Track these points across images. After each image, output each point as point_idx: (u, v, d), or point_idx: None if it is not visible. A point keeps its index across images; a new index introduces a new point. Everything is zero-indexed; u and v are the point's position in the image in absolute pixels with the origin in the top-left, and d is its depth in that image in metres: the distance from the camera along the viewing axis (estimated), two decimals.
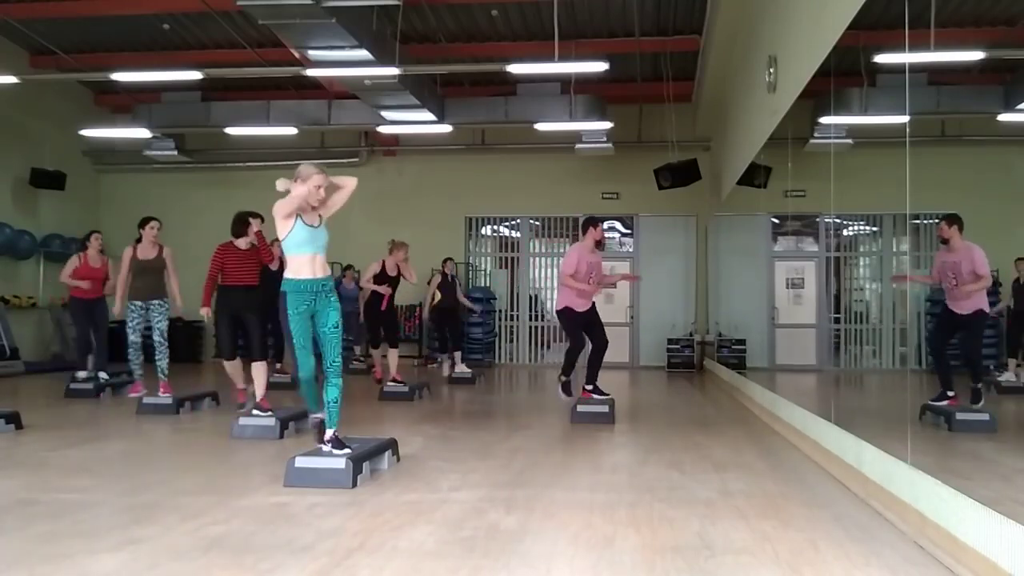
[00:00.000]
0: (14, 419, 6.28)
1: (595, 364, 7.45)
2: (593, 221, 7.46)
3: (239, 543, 3.25)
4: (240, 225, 6.88)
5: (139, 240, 7.92)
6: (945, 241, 6.49)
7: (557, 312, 7.52)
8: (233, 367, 6.89)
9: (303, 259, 4.66)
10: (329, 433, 4.53)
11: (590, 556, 3.12)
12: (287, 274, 4.66)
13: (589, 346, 7.47)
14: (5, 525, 3.51)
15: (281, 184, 4.75)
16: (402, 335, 13.49)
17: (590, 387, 7.37)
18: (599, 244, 7.54)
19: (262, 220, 6.82)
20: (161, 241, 7.97)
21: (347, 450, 4.43)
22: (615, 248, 15.25)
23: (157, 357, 7.76)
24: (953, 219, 6.47)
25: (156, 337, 7.81)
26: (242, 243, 6.85)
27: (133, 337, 7.85)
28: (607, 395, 7.36)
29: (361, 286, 9.21)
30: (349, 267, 12.84)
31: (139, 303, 7.80)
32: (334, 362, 4.65)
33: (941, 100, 9.55)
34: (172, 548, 3.18)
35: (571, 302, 7.28)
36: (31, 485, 4.35)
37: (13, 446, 5.62)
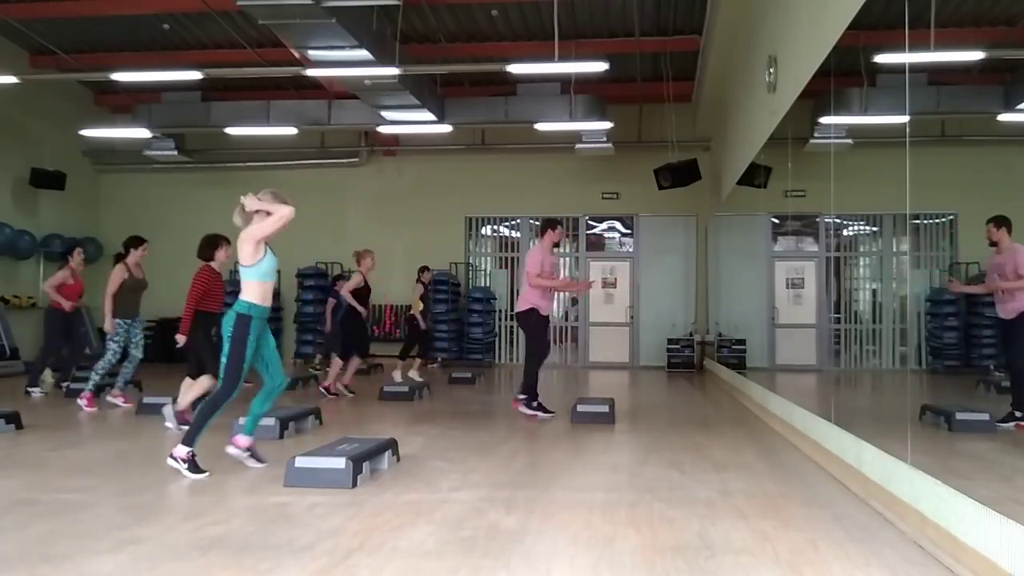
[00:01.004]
0: (14, 419, 6.28)
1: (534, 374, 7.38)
2: (551, 223, 7.45)
3: (239, 543, 3.25)
4: (210, 248, 6.54)
5: (123, 257, 7.78)
6: (994, 244, 6.21)
7: (520, 314, 7.37)
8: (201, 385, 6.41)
9: (268, 287, 4.71)
10: (248, 440, 4.74)
11: (590, 556, 3.12)
12: (252, 299, 4.61)
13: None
14: (5, 525, 3.51)
15: (253, 202, 4.63)
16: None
17: (523, 396, 7.32)
18: (556, 246, 7.51)
19: (229, 244, 6.52)
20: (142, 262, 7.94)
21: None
22: (615, 248, 15.26)
23: (128, 367, 7.91)
24: (1001, 221, 6.16)
25: (135, 353, 7.89)
26: (215, 267, 6.63)
27: (117, 355, 7.72)
28: (552, 411, 7.32)
29: (343, 294, 8.99)
30: (341, 276, 12.80)
31: (128, 321, 7.75)
32: (282, 382, 4.88)
33: (941, 100, 9.55)
34: (172, 548, 3.18)
35: (537, 303, 7.22)
36: (31, 485, 4.35)
37: (13, 446, 5.62)
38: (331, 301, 12.17)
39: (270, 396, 4.87)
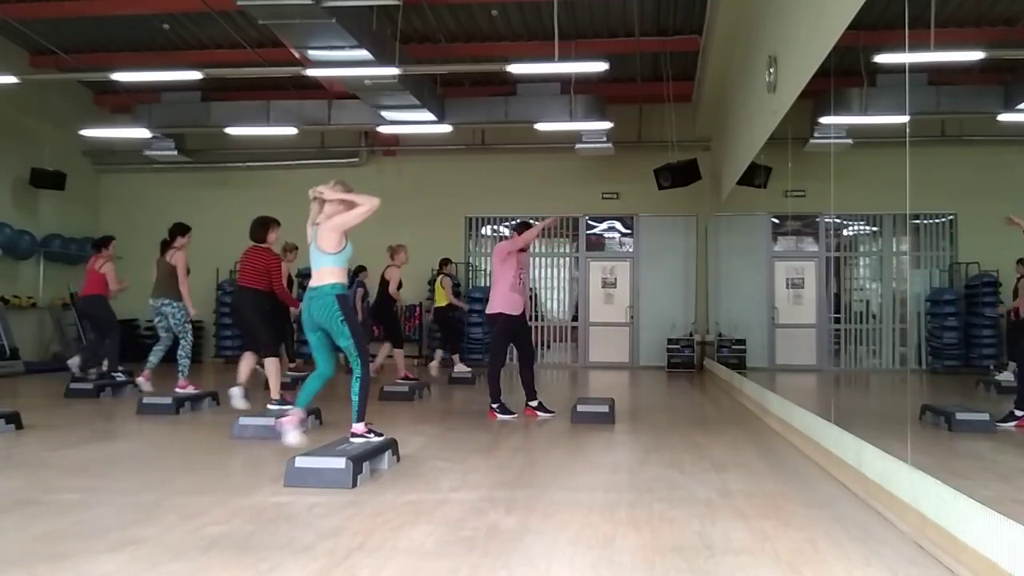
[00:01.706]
0: (14, 419, 6.29)
1: (529, 379, 7.41)
2: (526, 225, 7.50)
3: (239, 543, 3.25)
4: (264, 230, 6.89)
5: (170, 244, 8.12)
6: None
7: (489, 316, 7.34)
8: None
9: (346, 272, 4.95)
10: (361, 427, 4.87)
11: (590, 555, 3.12)
12: (341, 280, 4.86)
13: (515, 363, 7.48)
14: (5, 525, 3.51)
15: (330, 192, 4.85)
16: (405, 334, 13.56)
17: (534, 403, 7.37)
18: (523, 250, 7.55)
19: (279, 226, 7.00)
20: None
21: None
22: (615, 248, 15.26)
23: (160, 353, 8.34)
24: None
25: (165, 336, 8.33)
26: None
27: (190, 334, 8.27)
28: (553, 411, 7.38)
29: (396, 298, 9.77)
30: (362, 267, 12.75)
31: (167, 302, 8.17)
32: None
33: (941, 100, 9.56)
34: (172, 548, 3.18)
35: (505, 305, 7.17)
36: (31, 485, 4.35)
37: (13, 446, 5.62)
38: (359, 291, 12.21)
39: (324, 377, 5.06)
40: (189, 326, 8.18)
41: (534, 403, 7.38)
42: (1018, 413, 5.94)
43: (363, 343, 4.93)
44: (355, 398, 4.91)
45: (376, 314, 10.03)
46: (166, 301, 7.99)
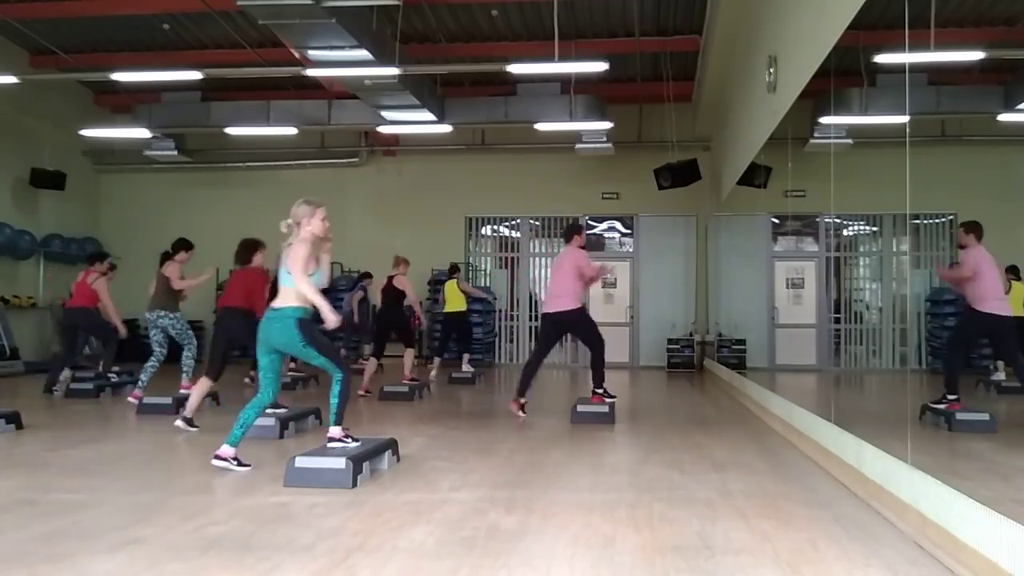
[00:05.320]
0: (14, 419, 6.29)
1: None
2: (578, 227, 7.61)
3: (239, 543, 3.25)
4: (250, 252, 6.75)
5: (170, 258, 7.93)
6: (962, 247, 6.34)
7: (571, 312, 7.32)
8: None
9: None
10: (338, 431, 4.70)
11: (590, 556, 3.12)
12: (304, 304, 4.66)
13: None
14: (5, 525, 3.51)
15: (286, 227, 4.86)
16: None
17: (523, 400, 7.41)
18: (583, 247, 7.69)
19: (265, 247, 6.77)
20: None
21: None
22: (615, 248, 15.26)
23: (151, 371, 8.02)
24: (970, 226, 6.26)
25: (160, 350, 8.03)
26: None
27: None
28: (526, 413, 7.38)
29: (415, 305, 9.61)
30: (366, 274, 12.63)
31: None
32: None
33: (941, 100, 9.56)
34: (172, 548, 3.18)
35: (581, 300, 7.36)
36: (31, 485, 4.35)
37: (13, 446, 5.63)
38: (358, 294, 12.20)
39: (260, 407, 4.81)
40: (190, 332, 7.98)
41: (523, 399, 7.38)
42: (950, 396, 6.18)
43: (334, 354, 4.82)
44: (335, 400, 4.76)
45: (388, 320, 9.50)
46: (162, 313, 7.80)
